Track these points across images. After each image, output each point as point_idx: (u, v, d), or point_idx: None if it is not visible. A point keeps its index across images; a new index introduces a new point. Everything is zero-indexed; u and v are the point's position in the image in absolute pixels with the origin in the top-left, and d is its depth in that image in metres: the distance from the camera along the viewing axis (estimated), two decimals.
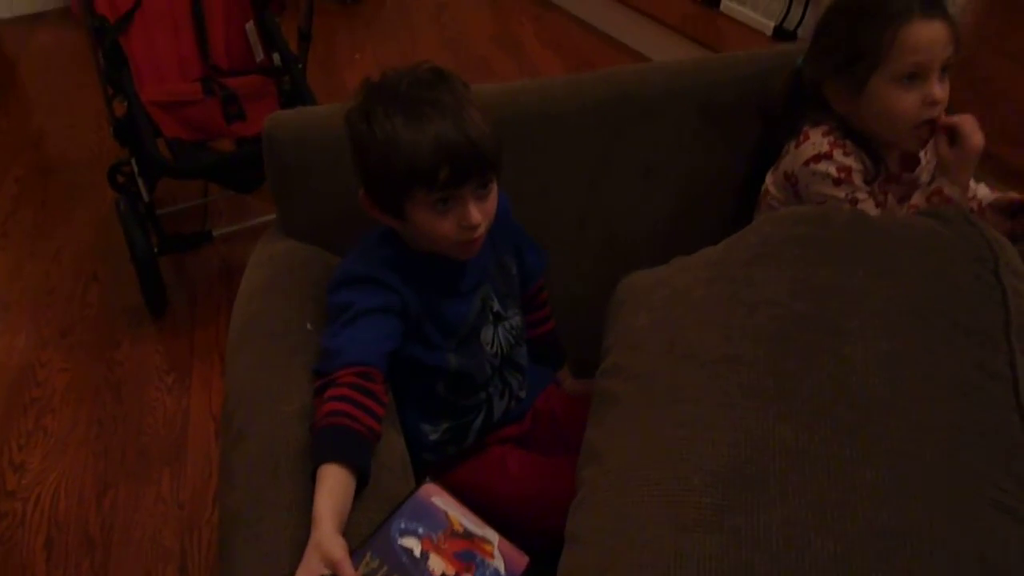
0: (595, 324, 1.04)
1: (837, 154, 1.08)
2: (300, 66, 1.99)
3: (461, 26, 3.53)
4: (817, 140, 1.09)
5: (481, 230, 0.95)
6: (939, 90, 1.04)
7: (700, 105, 1.27)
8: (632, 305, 0.99)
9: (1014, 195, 1.16)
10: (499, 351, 1.09)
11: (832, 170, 1.07)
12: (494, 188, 0.96)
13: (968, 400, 0.75)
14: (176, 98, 1.90)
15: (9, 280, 2.19)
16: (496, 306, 1.09)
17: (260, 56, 2.05)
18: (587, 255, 1.28)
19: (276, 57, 2.03)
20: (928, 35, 1.03)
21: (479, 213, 0.94)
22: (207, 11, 2.04)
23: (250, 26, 2.02)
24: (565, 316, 1.20)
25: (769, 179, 1.18)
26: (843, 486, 0.69)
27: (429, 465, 1.04)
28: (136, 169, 1.95)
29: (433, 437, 1.08)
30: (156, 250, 1.97)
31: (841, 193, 1.07)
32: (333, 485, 0.80)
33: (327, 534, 0.76)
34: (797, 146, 1.12)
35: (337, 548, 0.75)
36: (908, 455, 0.71)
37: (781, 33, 2.76)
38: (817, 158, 1.08)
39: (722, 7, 3.00)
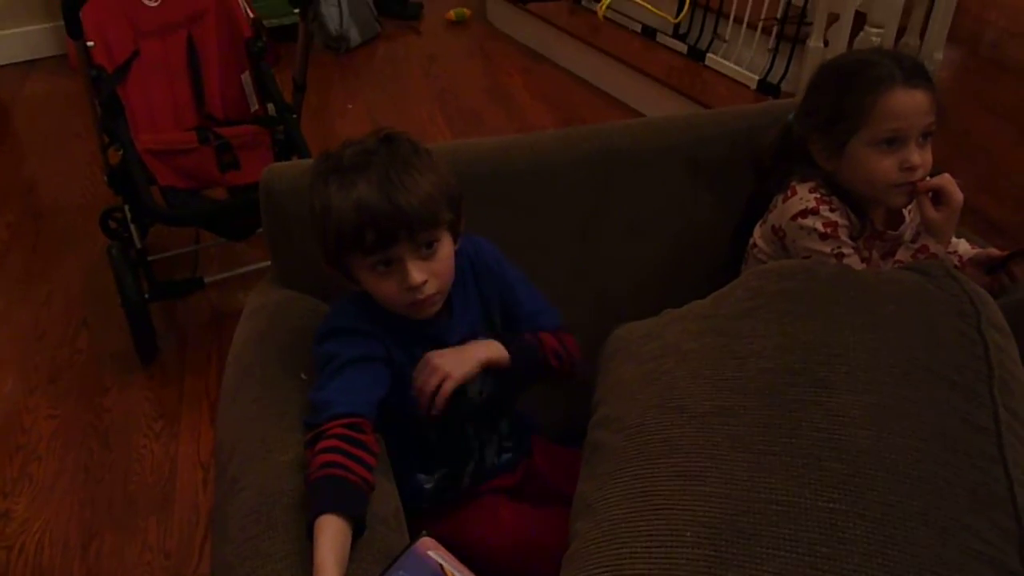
0: (583, 380, 1.06)
1: (824, 210, 1.11)
2: (294, 116, 2.02)
3: (452, 77, 3.59)
4: (804, 195, 1.12)
5: (428, 290, 0.96)
6: (917, 156, 1.08)
7: (690, 160, 1.30)
8: (623, 357, 1.00)
9: (993, 251, 1.19)
10: (484, 394, 1.09)
11: (819, 225, 1.10)
12: (441, 247, 0.96)
13: (953, 452, 0.76)
14: (171, 147, 1.92)
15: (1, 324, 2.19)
16: None
17: (255, 106, 2.08)
18: (579, 308, 1.29)
19: (270, 107, 2.06)
20: (908, 103, 1.06)
21: (421, 272, 0.94)
22: (203, 62, 2.08)
23: (246, 77, 2.05)
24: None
25: (757, 232, 1.21)
26: (834, 538, 0.70)
27: (425, 515, 1.04)
28: (129, 216, 1.96)
29: (428, 486, 1.08)
30: (147, 296, 1.97)
31: (827, 248, 1.10)
32: (334, 535, 0.81)
33: None
34: (785, 200, 1.15)
35: None
36: (895, 507, 0.73)
37: (765, 86, 2.82)
38: (804, 213, 1.11)
39: (707, 61, 3.07)
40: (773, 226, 1.16)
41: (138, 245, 1.99)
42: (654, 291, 1.31)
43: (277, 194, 1.17)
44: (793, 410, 0.81)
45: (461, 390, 1.05)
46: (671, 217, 1.31)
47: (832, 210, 1.11)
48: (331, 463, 0.87)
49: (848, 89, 1.09)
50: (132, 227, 1.98)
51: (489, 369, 1.08)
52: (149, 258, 2.04)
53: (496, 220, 1.21)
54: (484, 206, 1.17)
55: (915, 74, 1.07)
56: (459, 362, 1.00)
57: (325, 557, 0.78)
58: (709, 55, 3.07)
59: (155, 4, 2.03)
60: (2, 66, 3.60)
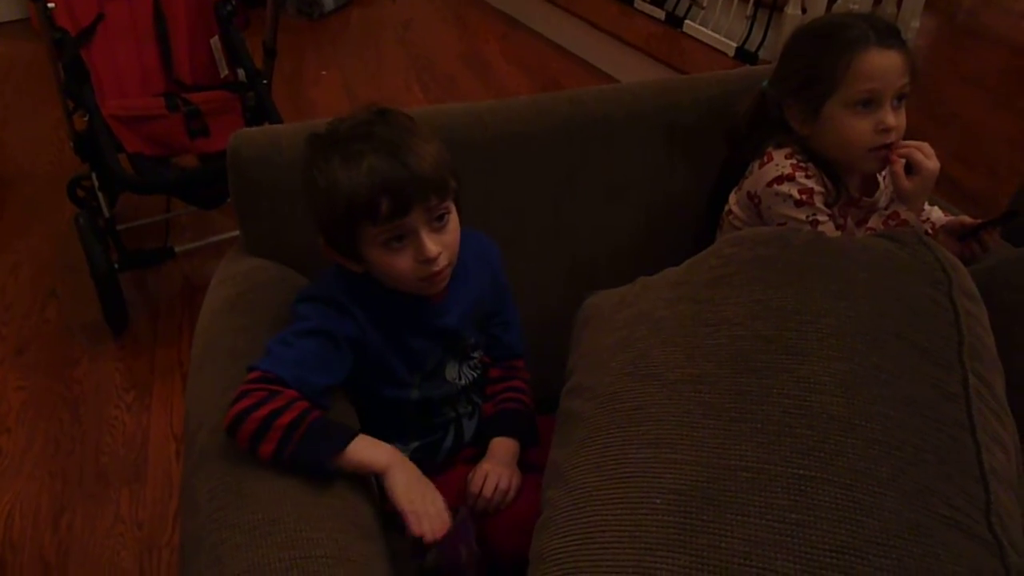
0: (560, 344, 1.05)
1: (799, 176, 1.10)
2: (265, 82, 1.98)
3: (428, 44, 3.54)
4: (780, 161, 1.12)
5: (442, 262, 0.94)
6: (892, 118, 1.07)
7: (665, 126, 1.29)
8: (596, 324, 1.00)
9: (966, 219, 1.19)
10: (466, 383, 1.09)
11: (794, 192, 1.09)
12: (451, 218, 0.96)
13: (923, 419, 0.76)
14: (138, 113, 1.88)
15: None
16: (466, 344, 1.09)
17: (224, 71, 2.04)
18: (552, 275, 1.28)
19: (241, 73, 2.02)
20: (882, 64, 1.06)
21: (435, 244, 0.93)
22: (171, 25, 2.03)
23: (215, 41, 2.01)
24: (530, 335, 1.20)
25: (732, 199, 1.20)
26: (803, 504, 0.71)
27: None
28: (97, 184, 1.92)
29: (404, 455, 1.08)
30: (116, 266, 1.94)
31: (802, 215, 1.09)
32: (376, 441, 0.91)
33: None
34: (760, 167, 1.14)
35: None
36: (865, 473, 0.73)
37: (743, 54, 2.80)
38: (780, 179, 1.10)
39: (685, 28, 3.04)
40: (748, 192, 1.15)
41: (106, 214, 1.95)
42: (629, 258, 1.30)
43: (245, 160, 1.14)
44: (764, 377, 0.80)
45: (441, 376, 1.05)
46: (646, 184, 1.30)
47: (808, 177, 1.10)
48: (307, 408, 0.88)
49: (822, 51, 1.08)
50: (100, 195, 1.94)
51: (470, 357, 1.08)
52: (119, 227, 2.01)
53: (471, 187, 1.18)
54: (460, 174, 1.16)
55: (888, 35, 1.06)
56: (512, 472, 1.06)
57: (391, 450, 0.91)
58: (687, 22, 3.04)
59: None
60: None
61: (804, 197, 1.09)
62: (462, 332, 1.07)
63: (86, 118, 1.82)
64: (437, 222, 0.93)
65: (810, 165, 1.12)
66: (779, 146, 1.13)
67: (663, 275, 0.99)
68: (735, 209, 1.19)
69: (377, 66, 3.34)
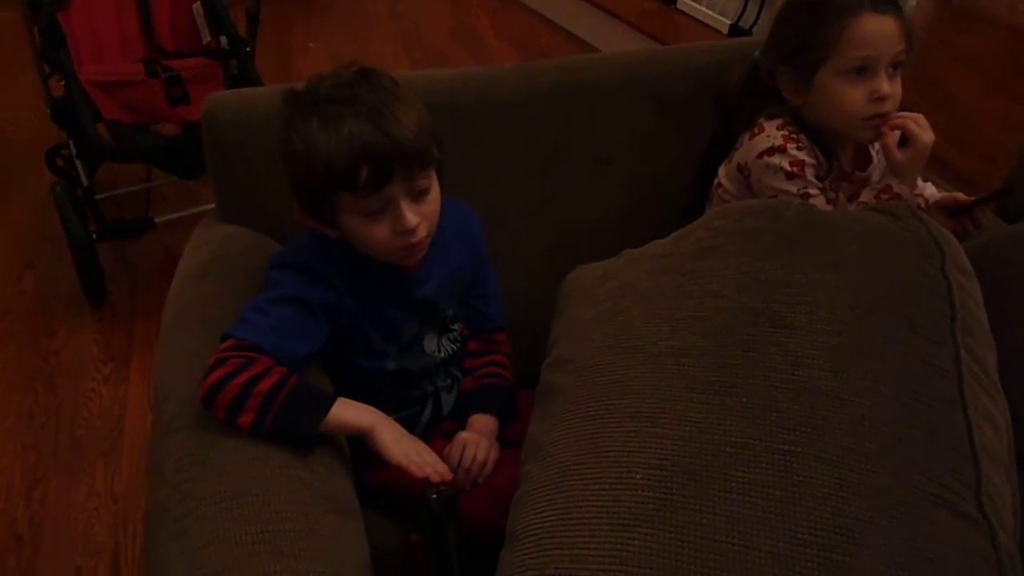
0: (543, 317, 1.02)
1: (791, 148, 1.07)
2: (248, 49, 1.93)
3: (418, 18, 3.49)
4: (771, 133, 1.09)
5: (421, 233, 0.91)
6: (887, 86, 1.04)
7: (654, 96, 1.26)
8: (578, 297, 0.97)
9: (959, 195, 1.17)
10: (445, 355, 1.06)
11: (785, 164, 1.06)
12: (432, 188, 0.92)
13: (913, 395, 0.74)
14: (116, 78, 1.83)
15: None
16: (445, 316, 1.06)
17: (207, 38, 1.98)
18: (536, 247, 1.25)
19: (223, 40, 1.96)
20: (877, 29, 1.02)
21: (415, 215, 0.89)
22: None
23: (197, 6, 1.95)
24: (512, 309, 1.17)
25: (722, 171, 1.17)
26: (787, 481, 0.68)
27: (373, 457, 1.01)
28: (74, 152, 1.87)
29: None
30: (95, 236, 1.89)
31: (793, 188, 1.06)
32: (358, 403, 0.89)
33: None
34: (751, 138, 1.11)
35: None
36: (852, 450, 0.71)
37: (737, 31, 2.77)
38: (771, 151, 1.07)
39: (679, 4, 3.00)
40: (738, 164, 1.12)
41: (85, 182, 1.91)
42: (615, 231, 1.27)
43: (220, 124, 1.10)
44: (750, 350, 0.78)
45: (420, 348, 1.02)
46: (634, 155, 1.27)
47: (799, 148, 1.07)
48: (287, 375, 0.86)
49: (815, 17, 1.05)
50: (78, 163, 1.89)
51: (450, 330, 1.05)
52: (98, 196, 1.96)
53: (453, 155, 1.15)
54: (447, 140, 1.12)
55: (883, 0, 1.03)
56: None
57: (375, 412, 0.90)
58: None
59: None
60: None
61: (795, 169, 1.06)
62: (440, 303, 1.04)
63: (63, 83, 1.77)
64: (417, 191, 0.90)
65: (802, 137, 1.09)
66: (770, 117, 1.10)
67: (648, 247, 0.96)
68: (724, 182, 1.16)
69: (366, 39, 3.29)
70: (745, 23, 2.75)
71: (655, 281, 0.88)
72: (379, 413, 0.90)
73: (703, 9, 2.91)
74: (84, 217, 1.89)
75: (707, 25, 2.89)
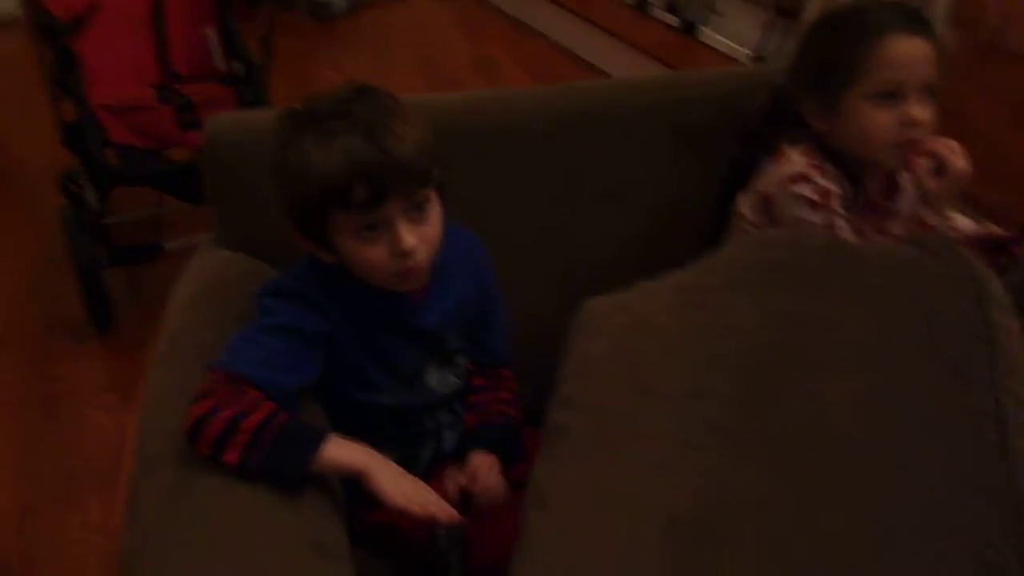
0: (552, 352, 0.96)
1: (816, 176, 1.01)
2: (261, 75, 1.91)
3: (437, 48, 3.48)
4: (795, 159, 1.03)
5: (420, 257, 0.87)
6: (919, 111, 0.98)
7: (672, 124, 1.21)
8: (590, 331, 0.91)
9: (995, 229, 1.11)
10: (448, 391, 1.01)
11: (810, 193, 1.01)
12: (432, 209, 0.88)
13: (950, 443, 0.68)
14: (127, 103, 1.81)
15: None
16: (448, 348, 1.01)
17: (221, 64, 1.97)
18: (546, 279, 1.20)
19: (238, 66, 1.95)
20: (908, 51, 0.97)
21: (413, 237, 0.85)
22: (168, 14, 1.96)
23: (210, 32, 1.94)
24: (520, 344, 1.11)
25: (742, 201, 1.11)
26: (812, 538, 0.62)
27: (366, 496, 0.95)
28: (84, 176, 1.85)
29: None
30: (103, 261, 1.86)
31: (818, 218, 1.00)
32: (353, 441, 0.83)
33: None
34: (773, 165, 1.05)
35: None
36: (884, 502, 0.65)
37: (759, 62, 2.73)
38: (794, 179, 1.02)
39: (700, 35, 2.97)
40: (760, 193, 1.07)
41: (94, 207, 1.88)
42: (630, 263, 1.21)
43: (223, 146, 1.07)
44: (774, 393, 0.72)
45: (421, 382, 0.97)
46: (651, 184, 1.21)
47: (825, 176, 1.01)
48: (276, 411, 0.81)
49: (842, 37, 1.00)
50: (88, 188, 1.87)
51: (454, 364, 1.00)
52: (108, 221, 1.93)
53: (462, 181, 1.11)
54: (450, 167, 1.08)
55: (915, 20, 0.98)
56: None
57: (371, 454, 0.84)
58: (702, 29, 2.97)
59: None
60: None
61: (820, 199, 1.01)
62: (443, 335, 0.99)
63: (74, 107, 1.75)
64: (416, 212, 0.86)
65: (827, 164, 1.03)
66: (793, 143, 1.05)
67: (665, 280, 0.91)
68: (746, 212, 1.10)
69: (385, 69, 3.28)
70: (767, 53, 2.71)
71: (671, 315, 0.83)
72: (374, 453, 0.84)
73: (724, 40, 2.87)
74: (92, 242, 1.86)
75: (728, 56, 2.85)
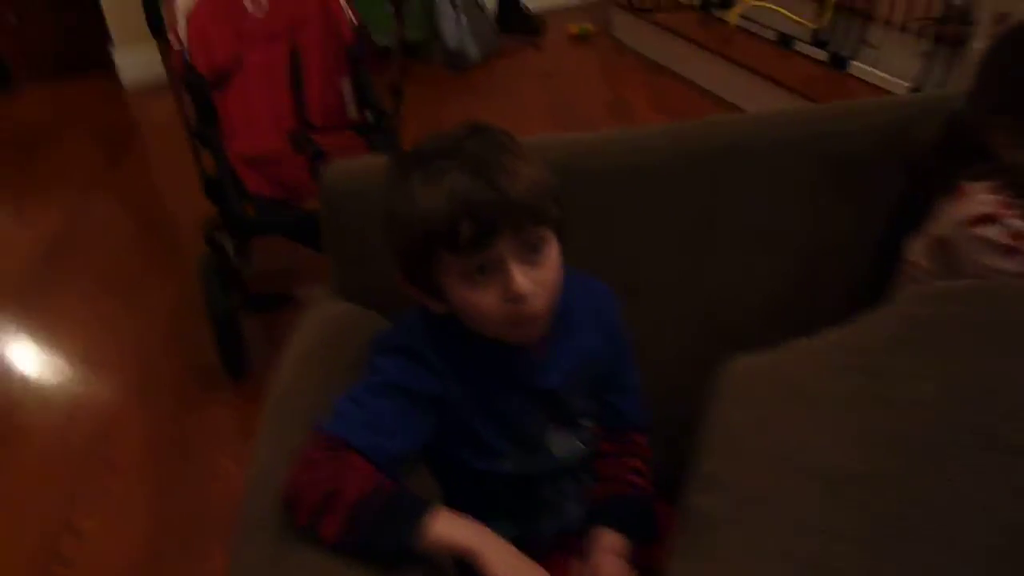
0: (689, 417, 0.85)
1: (1007, 217, 0.85)
2: (392, 123, 1.91)
3: (570, 92, 3.44)
4: (981, 198, 0.88)
5: (537, 305, 0.78)
6: None
7: (823, 158, 1.07)
8: (735, 399, 0.79)
9: None
10: (573, 458, 0.91)
11: (999, 236, 0.85)
12: (549, 251, 0.79)
13: None
14: (264, 154, 1.85)
15: (102, 333, 2.18)
16: (572, 410, 0.91)
17: (353, 113, 1.98)
18: (683, 333, 1.08)
19: (369, 115, 1.96)
20: None
21: (527, 280, 0.77)
22: (305, 69, 2.00)
23: (345, 82, 1.96)
24: (653, 406, 1.00)
25: (915, 247, 0.96)
26: None
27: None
28: (222, 224, 1.89)
29: None
30: (236, 308, 1.89)
31: (1011, 265, 0.84)
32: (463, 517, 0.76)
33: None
34: (951, 205, 0.90)
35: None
36: None
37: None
38: (981, 220, 0.86)
39: (851, 69, 2.78)
40: (938, 238, 0.92)
41: (231, 254, 1.92)
42: (777, 316, 1.09)
43: (340, 195, 1.03)
44: (964, 483, 0.58)
45: (542, 448, 0.88)
46: (799, 225, 1.08)
47: (1018, 217, 0.85)
48: (381, 482, 0.75)
49: None
50: (225, 237, 1.91)
51: (580, 427, 0.91)
52: (244, 270, 1.97)
53: (588, 225, 1.03)
54: (575, 210, 1.00)
55: None
56: None
57: (486, 534, 0.75)
58: (853, 63, 2.78)
59: (261, 16, 1.97)
60: (133, 88, 3.70)
61: (1014, 242, 0.85)
62: (567, 395, 0.89)
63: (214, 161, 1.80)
64: (531, 253, 0.78)
65: (1020, 202, 0.87)
66: (976, 178, 0.89)
67: (823, 338, 0.78)
68: (919, 259, 0.95)
69: (518, 113, 3.26)
70: (927, 86, 2.49)
71: (834, 383, 0.70)
72: (488, 531, 0.75)
73: (878, 73, 2.67)
74: (227, 290, 1.89)
75: (883, 90, 2.65)
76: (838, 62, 2.84)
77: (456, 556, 0.74)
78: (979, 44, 2.31)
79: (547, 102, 3.37)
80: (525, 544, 0.89)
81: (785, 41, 3.09)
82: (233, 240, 1.93)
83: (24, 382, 2.03)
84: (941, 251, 0.91)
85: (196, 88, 1.80)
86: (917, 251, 0.96)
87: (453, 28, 3.66)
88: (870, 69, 2.71)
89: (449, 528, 0.73)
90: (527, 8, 4.00)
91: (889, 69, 2.65)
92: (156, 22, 1.71)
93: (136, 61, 3.53)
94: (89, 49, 3.71)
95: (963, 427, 0.61)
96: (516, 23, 4.00)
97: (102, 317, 2.25)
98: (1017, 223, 0.85)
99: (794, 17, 3.03)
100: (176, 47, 1.79)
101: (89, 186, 2.94)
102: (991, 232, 0.86)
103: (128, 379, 2.00)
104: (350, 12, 2.00)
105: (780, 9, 3.08)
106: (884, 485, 0.60)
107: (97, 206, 2.82)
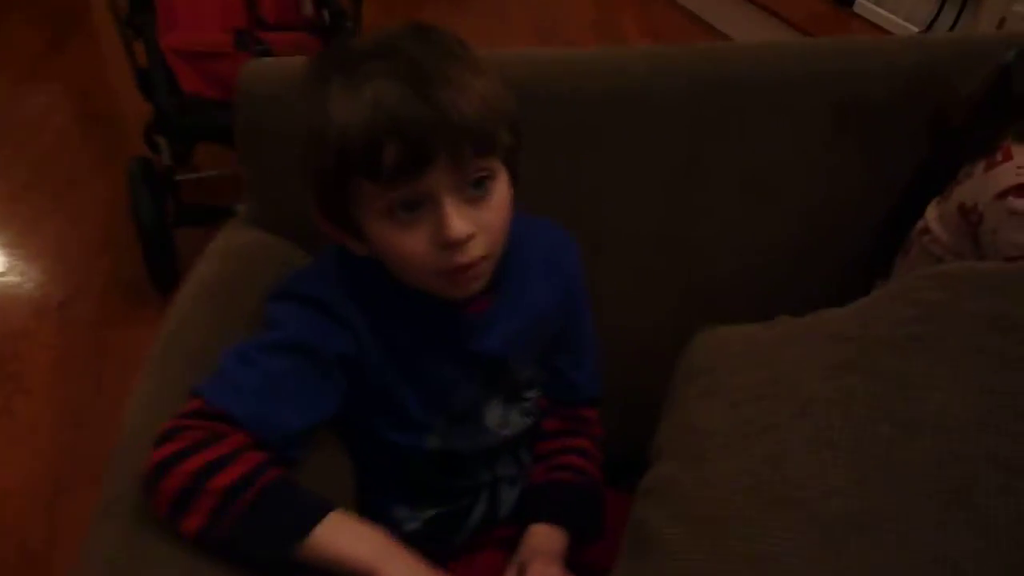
0: (655, 391, 0.72)
1: None
2: (350, 25, 1.71)
3: (557, 12, 3.22)
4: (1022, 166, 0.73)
5: (474, 251, 0.63)
6: None
7: (835, 102, 0.92)
8: (709, 384, 0.65)
9: None
10: (512, 433, 0.77)
11: None
12: (497, 188, 0.64)
13: None
14: (201, 48, 1.64)
15: (23, 235, 2.00)
16: (517, 379, 0.77)
17: (308, 11, 1.78)
18: (655, 292, 0.94)
19: (325, 14, 1.75)
20: None
21: (465, 222, 0.61)
22: None
23: None
24: (612, 375, 0.86)
25: (933, 212, 0.82)
26: None
27: None
28: (156, 127, 1.70)
29: (411, 527, 0.77)
30: (171, 220, 1.72)
31: None
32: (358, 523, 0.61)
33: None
34: (988, 169, 0.76)
35: None
36: None
37: None
38: (1019, 190, 0.72)
39: (856, 6, 2.60)
40: (963, 205, 0.77)
41: (166, 161, 1.74)
42: (768, 280, 0.95)
43: (259, 98, 0.85)
44: (1000, 529, 0.45)
45: (478, 422, 0.74)
46: (800, 178, 0.93)
47: None
48: (262, 466, 0.59)
49: None
50: (160, 140, 1.73)
51: (523, 398, 0.77)
52: (180, 178, 1.79)
53: (558, 159, 0.87)
54: (545, 138, 0.84)
55: None
56: None
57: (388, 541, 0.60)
58: (859, 2, 2.59)
59: None
60: None
61: None
62: (511, 361, 0.75)
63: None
64: (473, 189, 0.62)
65: None
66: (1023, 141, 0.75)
67: (820, 320, 0.64)
68: (935, 227, 0.81)
69: (497, 29, 3.04)
70: (940, 30, 2.32)
71: (830, 383, 0.56)
72: (390, 544, 0.61)
73: (886, 14, 2.49)
74: (160, 199, 1.72)
75: (889, 32, 2.47)
76: (844, 0, 2.65)
77: (345, 571, 0.59)
78: None
79: (530, 18, 3.15)
80: (447, 533, 0.77)
81: None
82: (170, 143, 1.74)
83: None
84: (965, 221, 0.77)
85: None
86: (934, 219, 0.81)
87: None
88: (877, 9, 2.53)
89: (342, 537, 0.59)
90: None
91: (897, 10, 2.47)
92: None
93: None
94: None
95: (992, 459, 0.48)
96: None
97: (28, 214, 2.06)
98: None
99: None
100: None
101: (27, 73, 2.69)
102: None
103: (48, 284, 1.84)
104: None
105: None
106: (889, 528, 0.47)
107: (35, 96, 2.58)
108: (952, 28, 2.29)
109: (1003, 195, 0.73)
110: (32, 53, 2.81)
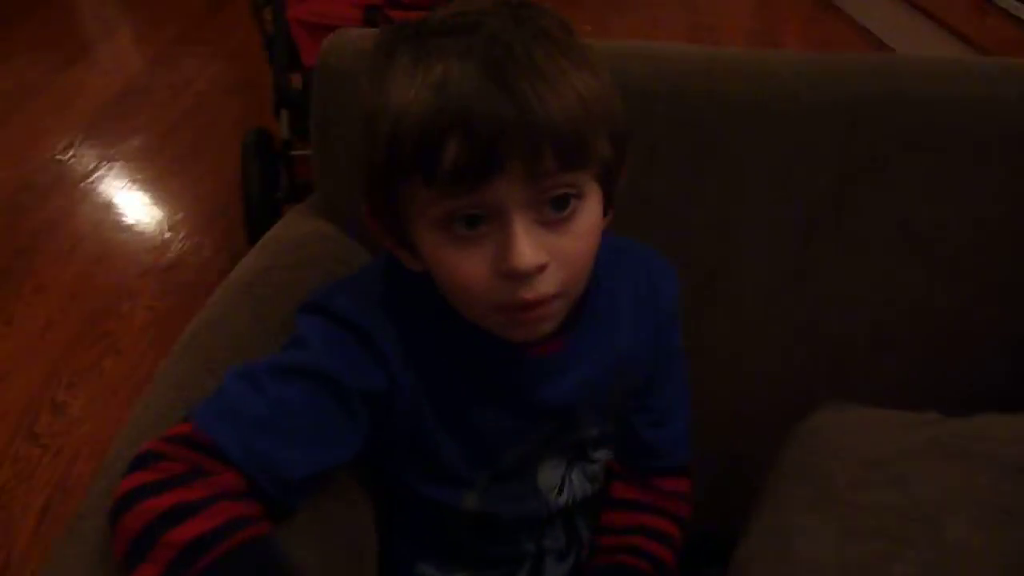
0: (758, 462, 0.57)
1: None
2: None
3: (715, 13, 3.03)
4: None
5: (545, 288, 0.50)
6: None
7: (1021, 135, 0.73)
8: (819, 491, 0.50)
9: None
10: (569, 499, 0.64)
11: None
12: (585, 211, 0.51)
13: None
14: (327, 21, 1.58)
15: (145, 195, 2.03)
16: (584, 437, 0.63)
17: None
18: (774, 346, 0.78)
19: None
20: None
21: (536, 250, 0.48)
22: None
23: None
24: (704, 443, 0.71)
25: None
26: None
27: None
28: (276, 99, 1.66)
29: None
30: (281, 195, 1.68)
31: None
32: None
33: None
34: None
35: None
36: None
37: None
38: None
39: None
40: None
41: (284, 135, 1.69)
42: (916, 356, 0.77)
43: (335, 76, 0.76)
44: None
45: (528, 483, 0.62)
46: (973, 230, 0.75)
47: None
48: (239, 522, 0.48)
49: None
50: (282, 113, 1.69)
51: (589, 459, 0.64)
52: (295, 152, 1.74)
53: (668, 179, 0.73)
54: (658, 150, 0.70)
55: None
56: None
57: None
58: None
59: None
60: None
61: None
62: (579, 414, 0.62)
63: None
64: (553, 209, 0.49)
65: None
66: None
67: (987, 431, 0.48)
68: None
69: (650, 29, 2.89)
70: None
71: (988, 534, 0.40)
72: None
73: None
74: (274, 173, 1.68)
75: None
76: None
77: None
78: None
79: (686, 20, 2.98)
80: None
81: None
82: (289, 117, 1.70)
83: (48, 234, 1.89)
84: None
85: None
86: None
87: None
88: None
89: None
90: None
91: None
92: None
93: None
94: None
95: None
96: None
97: (152, 175, 2.09)
98: None
99: None
100: None
101: (184, 34, 2.77)
102: None
103: (160, 246, 1.84)
104: None
105: None
106: None
107: (187, 57, 2.66)
108: None
109: None
110: (192, 14, 2.90)
